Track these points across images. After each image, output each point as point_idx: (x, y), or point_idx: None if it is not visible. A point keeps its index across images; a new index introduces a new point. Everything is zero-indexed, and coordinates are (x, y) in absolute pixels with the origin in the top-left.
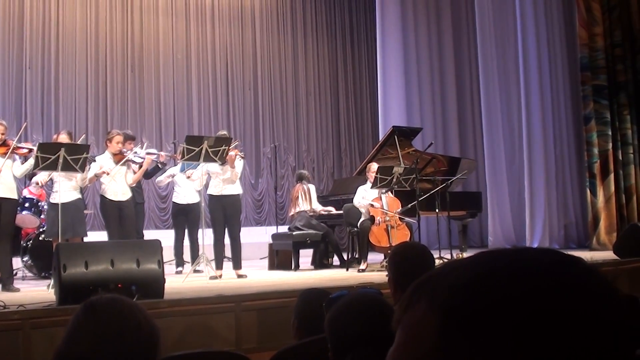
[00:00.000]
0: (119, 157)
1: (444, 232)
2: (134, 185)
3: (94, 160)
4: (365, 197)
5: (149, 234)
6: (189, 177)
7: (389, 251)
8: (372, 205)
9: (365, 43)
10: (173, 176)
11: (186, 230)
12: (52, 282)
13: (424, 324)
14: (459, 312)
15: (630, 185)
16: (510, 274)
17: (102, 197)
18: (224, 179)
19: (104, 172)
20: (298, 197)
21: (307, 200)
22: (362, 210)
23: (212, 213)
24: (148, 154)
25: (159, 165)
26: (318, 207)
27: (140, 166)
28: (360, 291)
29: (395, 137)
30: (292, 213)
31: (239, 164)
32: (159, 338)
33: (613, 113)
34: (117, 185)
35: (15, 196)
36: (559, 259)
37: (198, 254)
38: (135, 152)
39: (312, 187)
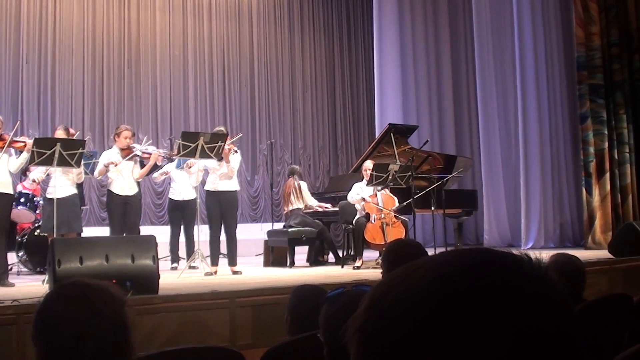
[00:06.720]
0: (126, 151)
1: (440, 230)
2: (140, 180)
3: (92, 155)
4: (361, 194)
5: (144, 230)
6: (190, 167)
7: (383, 248)
8: (364, 199)
9: (362, 40)
10: (167, 173)
11: (182, 227)
12: (47, 277)
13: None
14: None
15: (625, 185)
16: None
17: (109, 192)
18: (221, 174)
19: (111, 163)
20: (290, 193)
21: (299, 198)
22: (358, 206)
23: (208, 209)
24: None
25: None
26: (314, 203)
27: (145, 162)
28: (357, 290)
29: (392, 134)
30: (285, 211)
31: (235, 158)
32: (127, 322)
33: (609, 112)
34: (124, 180)
35: (10, 191)
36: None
37: (193, 250)
38: (136, 148)
39: (303, 184)
